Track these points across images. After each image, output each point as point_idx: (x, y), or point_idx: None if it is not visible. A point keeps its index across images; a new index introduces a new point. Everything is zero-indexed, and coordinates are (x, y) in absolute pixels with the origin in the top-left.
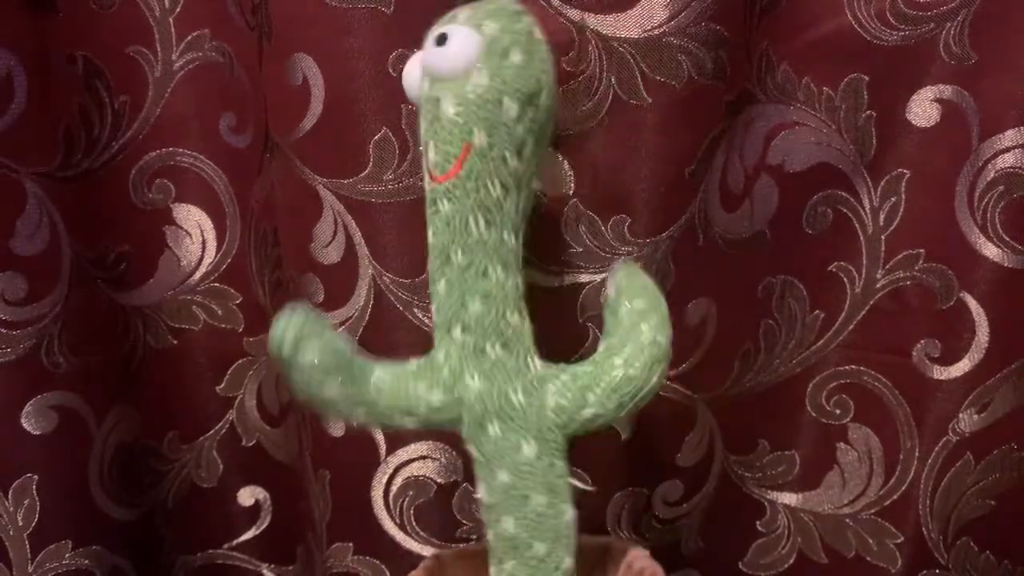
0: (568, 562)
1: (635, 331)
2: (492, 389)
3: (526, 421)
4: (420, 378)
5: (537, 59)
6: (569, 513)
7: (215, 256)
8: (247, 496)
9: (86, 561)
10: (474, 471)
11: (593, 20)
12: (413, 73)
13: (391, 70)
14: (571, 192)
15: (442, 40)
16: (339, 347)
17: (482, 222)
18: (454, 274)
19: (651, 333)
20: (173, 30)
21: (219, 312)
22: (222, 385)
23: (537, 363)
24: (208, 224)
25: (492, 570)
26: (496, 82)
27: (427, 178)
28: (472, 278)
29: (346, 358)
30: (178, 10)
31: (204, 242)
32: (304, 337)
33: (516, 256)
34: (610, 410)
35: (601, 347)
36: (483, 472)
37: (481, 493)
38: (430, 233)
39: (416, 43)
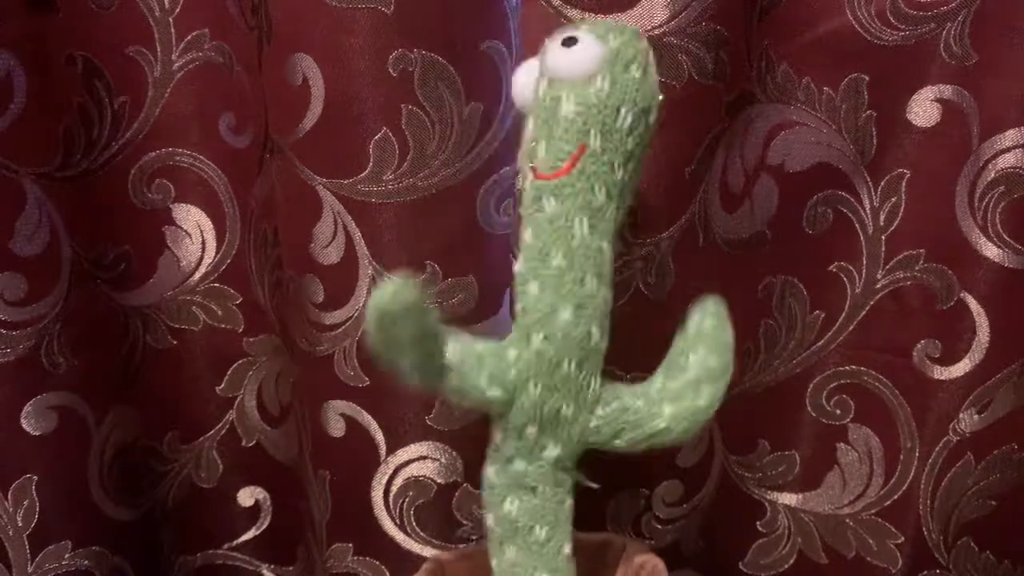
0: (567, 548)
1: (696, 390)
2: (549, 401)
3: (563, 432)
4: (484, 369)
5: (652, 78)
6: (569, 502)
7: (215, 256)
8: (247, 496)
9: (86, 562)
10: (488, 450)
11: (583, 21)
12: (527, 75)
13: (391, 70)
14: None
15: (570, 42)
16: (430, 320)
17: (587, 225)
18: (550, 276)
19: (707, 401)
20: (173, 30)
21: (219, 312)
22: (222, 385)
23: (598, 384)
24: (208, 224)
25: (493, 560)
26: (616, 90)
27: (530, 177)
28: (568, 284)
29: (433, 330)
30: (178, 10)
31: (204, 242)
32: (409, 308)
33: (610, 269)
34: (636, 449)
35: (659, 380)
36: (498, 458)
37: (489, 473)
38: (528, 234)
39: (416, 43)
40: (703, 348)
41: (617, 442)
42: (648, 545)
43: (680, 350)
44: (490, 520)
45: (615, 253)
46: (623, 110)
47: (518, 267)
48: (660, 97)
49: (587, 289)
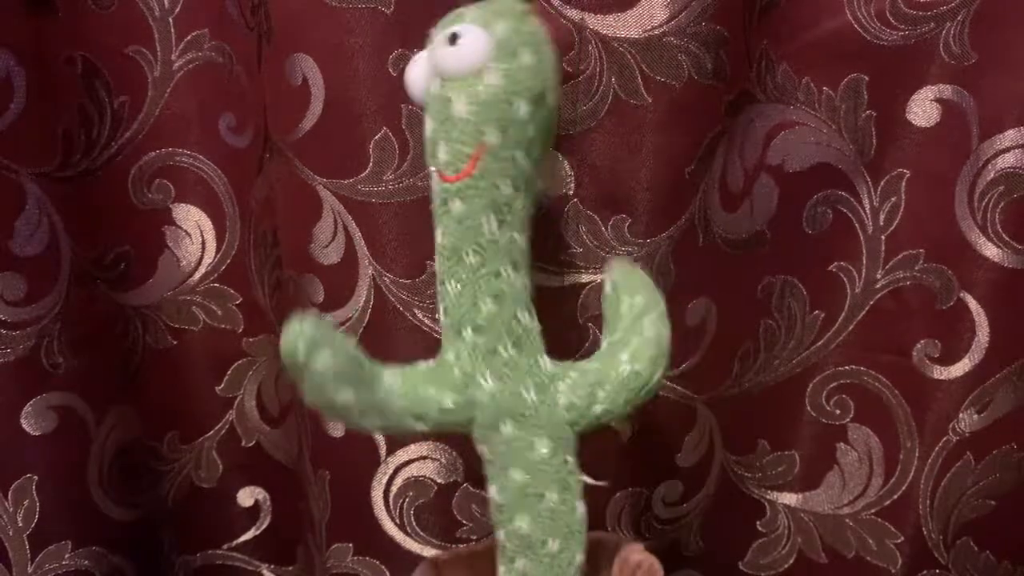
0: (580, 558)
1: (637, 327)
2: (505, 389)
3: (539, 419)
4: (431, 381)
5: (545, 59)
6: (581, 509)
7: (215, 256)
8: (247, 496)
9: (86, 562)
10: (485, 472)
11: (593, 20)
12: (417, 73)
13: (391, 70)
14: (571, 192)
15: (454, 39)
16: (351, 352)
17: (495, 222)
18: (466, 274)
19: (653, 329)
20: (172, 30)
21: (219, 312)
22: (221, 386)
23: (547, 362)
24: (208, 224)
25: (501, 570)
26: (508, 82)
27: (435, 178)
28: (485, 278)
29: (358, 363)
30: (177, 10)
31: (204, 242)
32: (317, 344)
33: (525, 256)
34: (619, 406)
35: (604, 344)
36: (495, 472)
37: (492, 493)
38: (439, 233)
39: (417, 43)
40: (625, 295)
41: (597, 408)
42: (643, 544)
43: (609, 309)
44: (500, 535)
45: (528, 237)
46: (517, 101)
47: (437, 267)
48: (555, 73)
49: (504, 280)
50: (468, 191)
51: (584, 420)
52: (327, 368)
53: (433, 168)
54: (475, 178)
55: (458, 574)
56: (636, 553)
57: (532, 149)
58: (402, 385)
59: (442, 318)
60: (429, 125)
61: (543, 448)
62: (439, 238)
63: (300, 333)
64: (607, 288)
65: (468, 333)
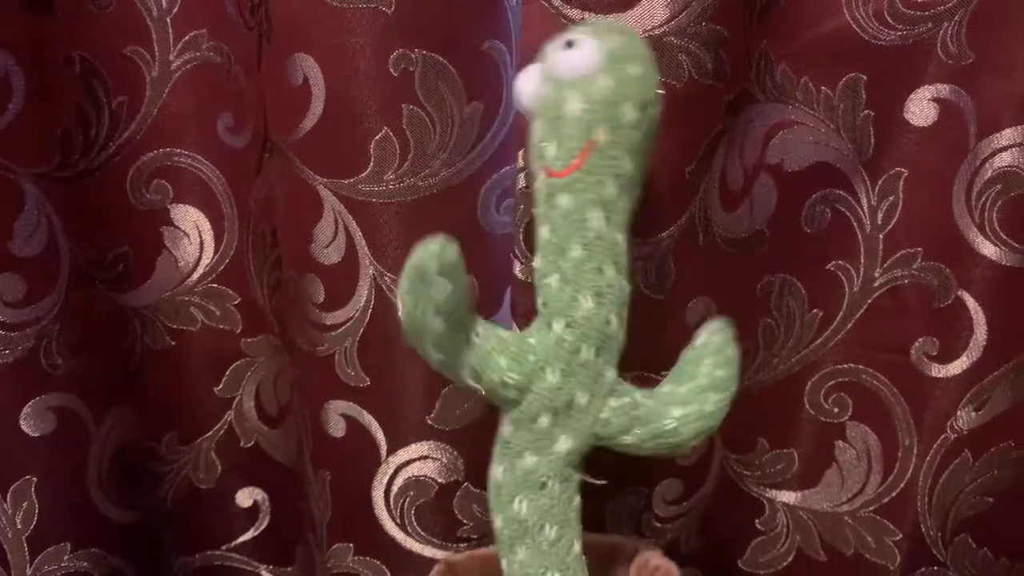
0: (577, 547)
1: (704, 396)
2: (565, 388)
3: (576, 423)
4: (504, 352)
5: (652, 74)
6: (577, 500)
7: (213, 257)
8: (245, 497)
9: (85, 563)
10: (496, 448)
11: (594, 20)
12: (530, 80)
13: (392, 70)
14: None
15: (569, 44)
16: (464, 291)
17: (601, 218)
18: (569, 268)
19: (714, 407)
20: (171, 30)
21: (217, 313)
22: (220, 386)
23: (614, 374)
24: (206, 225)
25: (503, 561)
26: (620, 86)
27: (542, 176)
28: (587, 274)
29: (464, 305)
30: (175, 10)
31: (202, 243)
32: (446, 271)
33: (625, 260)
34: (643, 448)
35: (668, 386)
36: (508, 454)
37: (497, 473)
38: (544, 231)
39: (417, 42)
40: (710, 360)
41: (626, 438)
42: (659, 548)
43: (688, 361)
44: (498, 522)
45: (628, 245)
46: (626, 105)
47: (536, 263)
48: (659, 91)
49: (606, 278)
50: (576, 184)
51: (608, 441)
52: (440, 296)
53: (540, 167)
54: (583, 172)
55: (473, 575)
56: (654, 558)
57: (635, 155)
58: (482, 341)
59: (540, 309)
60: (538, 128)
61: (564, 445)
62: (544, 235)
63: (439, 254)
64: (700, 339)
65: (559, 326)
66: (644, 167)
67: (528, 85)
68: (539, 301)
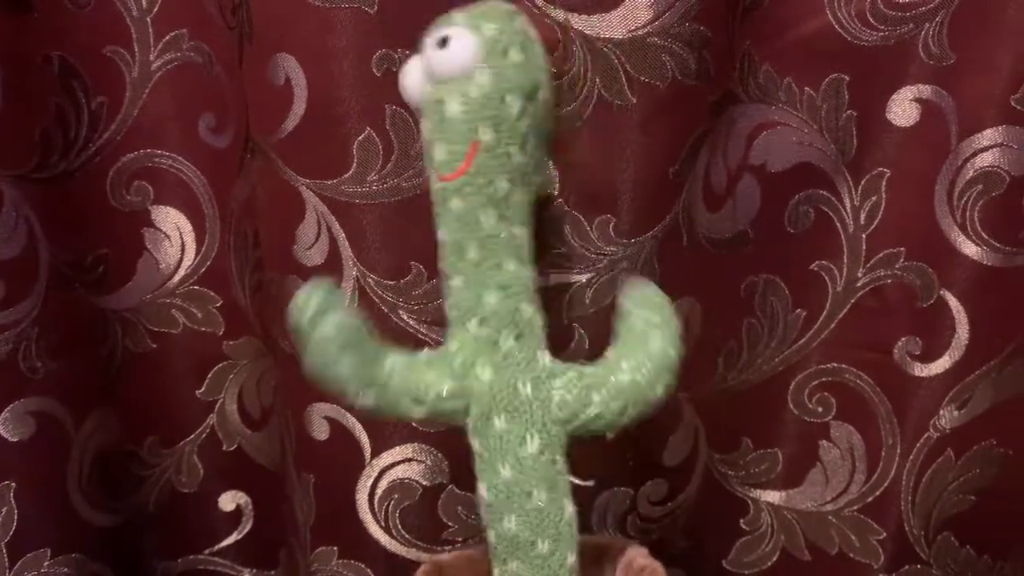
0: (572, 559)
1: (645, 340)
2: (502, 380)
3: (532, 415)
4: (432, 367)
5: (534, 56)
6: (569, 509)
7: (194, 259)
8: (228, 501)
9: (65, 569)
10: (476, 468)
11: (577, 20)
12: (412, 77)
13: (375, 70)
14: (556, 193)
15: (443, 43)
16: (357, 325)
17: (493, 217)
18: (469, 269)
19: (662, 344)
20: (151, 30)
21: (199, 315)
22: (202, 389)
23: (547, 357)
24: (187, 226)
25: (495, 572)
26: (498, 80)
27: (434, 178)
28: (487, 272)
29: (363, 337)
30: (155, 10)
31: (183, 244)
32: (325, 310)
33: (527, 249)
34: (613, 412)
35: (611, 352)
36: (485, 469)
37: (482, 491)
38: (442, 232)
39: (401, 42)
40: (639, 311)
41: (590, 410)
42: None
43: (620, 323)
44: (491, 537)
45: (531, 226)
46: (508, 98)
47: (441, 264)
48: (545, 69)
49: (507, 272)
50: (465, 188)
51: (576, 421)
52: (332, 335)
53: (432, 169)
54: (471, 175)
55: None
56: (640, 557)
57: (527, 144)
58: (403, 367)
59: (448, 312)
60: (425, 128)
61: (533, 444)
62: (442, 237)
63: (310, 297)
64: (622, 302)
65: (473, 325)
66: (542, 149)
67: (411, 82)
68: (447, 303)
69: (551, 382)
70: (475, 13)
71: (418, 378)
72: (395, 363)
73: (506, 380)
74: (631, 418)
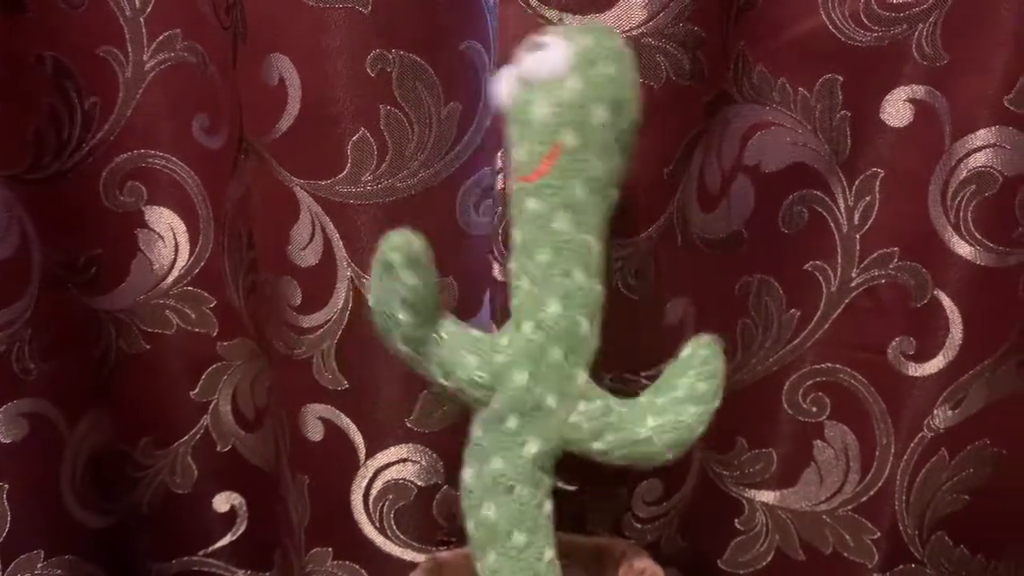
0: (549, 553)
1: (683, 407)
2: (534, 389)
3: (544, 425)
4: (476, 351)
5: (625, 74)
6: (548, 505)
7: (188, 259)
8: (222, 502)
9: (58, 571)
10: (466, 451)
11: (571, 20)
12: (505, 82)
13: (369, 70)
14: None
15: (538, 47)
16: (432, 286)
17: (569, 222)
18: (537, 272)
19: (691, 418)
20: (144, 30)
21: (192, 316)
22: (196, 390)
23: (584, 378)
24: (181, 227)
25: (477, 565)
26: (587, 88)
27: (513, 180)
28: (555, 277)
29: (433, 299)
30: (149, 10)
31: (177, 245)
32: (413, 263)
33: (597, 263)
34: (615, 456)
35: (647, 395)
36: (477, 455)
37: (467, 476)
38: (516, 234)
39: (394, 43)
40: (693, 373)
41: (596, 444)
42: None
43: (671, 372)
44: (470, 525)
45: (605, 246)
46: (596, 106)
47: (510, 265)
48: (636, 88)
49: (574, 281)
50: (543, 190)
51: (579, 445)
52: (408, 286)
53: (512, 171)
54: (550, 177)
55: (461, 573)
56: (640, 560)
57: (609, 157)
58: (451, 339)
59: (512, 310)
60: (511, 130)
61: (533, 448)
62: (516, 238)
63: (407, 244)
64: (686, 351)
65: (528, 328)
66: (622, 167)
67: (503, 87)
68: (512, 301)
69: (576, 403)
70: (574, 27)
71: (458, 357)
72: (447, 330)
73: (537, 390)
74: (629, 463)
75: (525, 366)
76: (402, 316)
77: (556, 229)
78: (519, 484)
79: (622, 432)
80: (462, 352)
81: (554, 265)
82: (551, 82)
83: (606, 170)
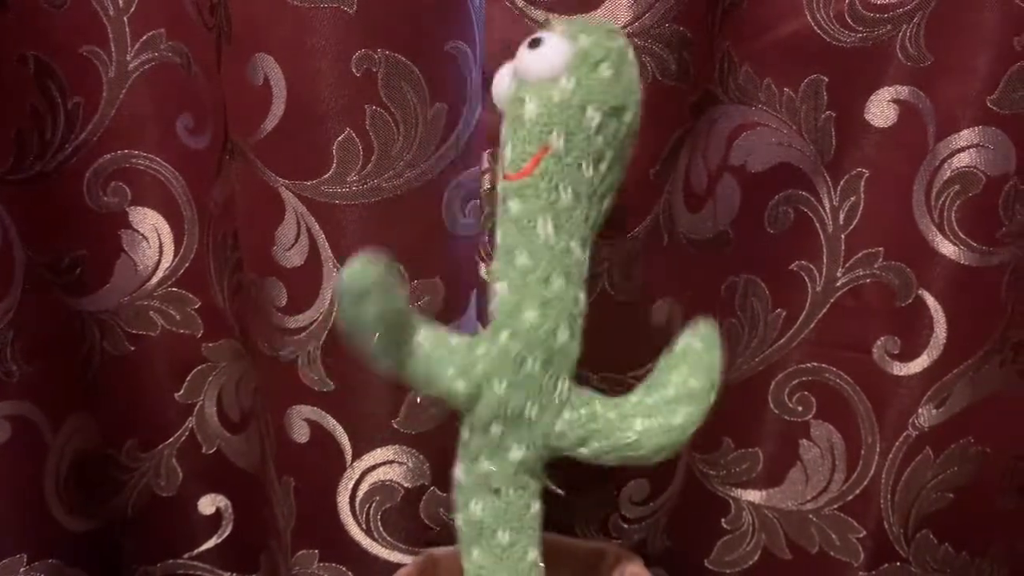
0: (533, 554)
1: (672, 408)
2: (514, 398)
3: (529, 432)
4: (452, 362)
5: (626, 77)
6: (536, 507)
7: (172, 260)
8: (208, 504)
9: (42, 575)
10: (458, 449)
11: (558, 21)
12: (504, 78)
13: (354, 70)
14: None
15: (535, 44)
16: (397, 309)
17: (550, 226)
18: (516, 277)
19: (683, 420)
20: (128, 29)
21: (177, 317)
22: (181, 392)
23: (567, 385)
24: (165, 228)
25: (464, 561)
26: (582, 90)
27: (500, 178)
28: (533, 283)
29: (399, 320)
30: (132, 9)
31: (161, 246)
32: (366, 293)
33: (580, 270)
34: (603, 460)
35: (636, 395)
36: (466, 455)
37: (458, 472)
38: (498, 233)
39: (379, 43)
40: (686, 368)
41: (583, 450)
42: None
43: (662, 368)
44: (459, 520)
45: (589, 253)
46: (589, 110)
47: (492, 266)
48: (638, 93)
49: (553, 289)
50: (526, 191)
51: (566, 451)
52: (373, 313)
53: (500, 169)
54: (534, 178)
55: (455, 571)
56: (633, 567)
57: (601, 162)
58: (429, 348)
59: (491, 315)
60: (505, 126)
61: (518, 455)
62: (498, 239)
63: (365, 272)
64: (680, 344)
65: (504, 336)
66: (618, 176)
67: (500, 84)
68: (491, 305)
69: (561, 412)
70: (576, 24)
71: (436, 368)
72: (422, 342)
73: (517, 400)
74: (621, 464)
75: (504, 377)
76: (373, 341)
77: (537, 233)
78: (505, 487)
79: (609, 439)
80: (440, 363)
81: (533, 270)
82: (544, 81)
83: (599, 176)
